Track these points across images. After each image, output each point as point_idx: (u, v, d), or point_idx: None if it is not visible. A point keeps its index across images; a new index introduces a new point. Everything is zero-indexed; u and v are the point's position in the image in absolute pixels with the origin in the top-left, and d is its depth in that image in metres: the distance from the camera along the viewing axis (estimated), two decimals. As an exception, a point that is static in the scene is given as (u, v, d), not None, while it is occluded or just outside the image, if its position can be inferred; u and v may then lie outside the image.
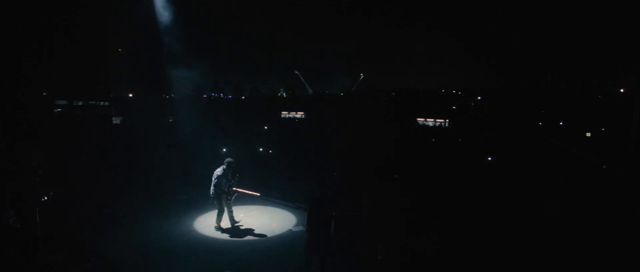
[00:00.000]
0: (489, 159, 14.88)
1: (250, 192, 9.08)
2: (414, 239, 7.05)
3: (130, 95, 27.51)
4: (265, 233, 8.61)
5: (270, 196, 11.24)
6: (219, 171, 8.55)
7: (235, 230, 8.69)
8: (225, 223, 8.80)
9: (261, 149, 16.73)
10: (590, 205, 8.30)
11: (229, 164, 8.63)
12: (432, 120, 30.43)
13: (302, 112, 34.66)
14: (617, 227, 7.20)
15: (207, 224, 9.19)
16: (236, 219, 9.02)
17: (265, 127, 23.06)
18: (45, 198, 6.44)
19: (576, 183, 9.80)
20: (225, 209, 8.71)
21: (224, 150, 14.90)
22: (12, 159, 7.80)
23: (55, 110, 21.54)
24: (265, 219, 9.53)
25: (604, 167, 11.84)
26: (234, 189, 8.78)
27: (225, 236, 8.38)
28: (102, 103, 23.27)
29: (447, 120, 29.99)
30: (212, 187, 8.57)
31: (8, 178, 6.86)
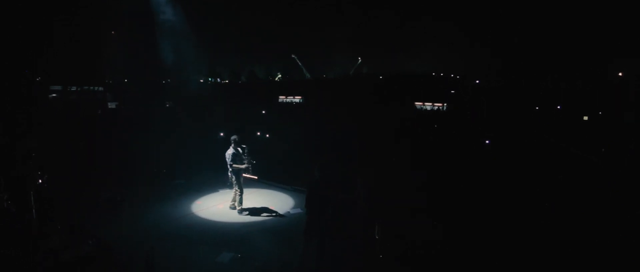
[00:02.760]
0: (487, 141, 14.88)
1: (248, 175, 9.12)
2: (413, 227, 7.07)
3: (126, 80, 27.20)
4: (264, 215, 8.64)
5: (268, 179, 11.25)
6: (230, 151, 8.55)
7: (233, 213, 8.71)
8: (234, 204, 8.82)
9: (258, 134, 16.67)
10: (590, 205, 8.23)
11: (234, 141, 8.66)
12: (430, 104, 30.27)
13: (299, 97, 34.36)
14: (617, 227, 7.15)
15: (205, 206, 9.21)
16: (235, 202, 9.03)
17: (263, 112, 22.93)
18: (40, 181, 6.38)
19: (576, 183, 9.73)
20: (239, 188, 8.69)
21: (221, 134, 14.84)
22: (11, 147, 7.75)
23: (50, 96, 21.34)
24: (263, 202, 9.55)
25: (595, 160, 11.81)
26: (247, 164, 8.75)
27: (224, 219, 8.41)
28: (97, 88, 23.04)
29: (444, 105, 29.82)
30: (229, 169, 8.57)
31: (3, 163, 6.80)
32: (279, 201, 9.71)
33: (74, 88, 21.43)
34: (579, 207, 8.19)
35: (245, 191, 8.96)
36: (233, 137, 8.72)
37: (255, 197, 9.90)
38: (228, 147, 8.66)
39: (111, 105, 23.64)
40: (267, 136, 16.66)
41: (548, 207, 8.15)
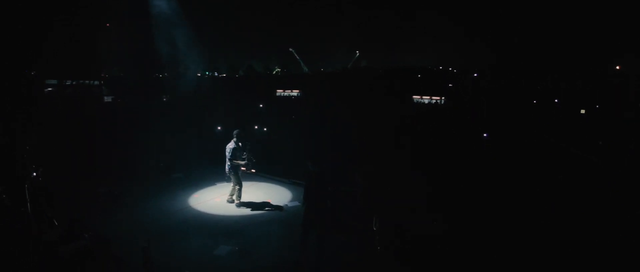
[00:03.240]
0: (485, 135, 14.89)
1: (245, 169, 9.09)
2: (412, 222, 7.06)
3: (122, 74, 27.02)
4: (261, 209, 8.63)
5: (266, 172, 11.22)
6: (231, 145, 8.42)
7: (231, 206, 8.69)
8: (231, 198, 8.78)
9: (256, 127, 16.62)
10: (590, 205, 8.21)
11: (238, 135, 8.53)
12: (428, 98, 30.27)
13: (297, 91, 34.30)
14: (617, 227, 7.17)
15: (203, 200, 9.18)
16: (232, 196, 9.00)
17: (260, 106, 22.86)
18: (35, 174, 6.32)
19: (576, 183, 9.71)
20: (237, 183, 8.62)
21: (219, 128, 14.78)
22: (11, 147, 7.67)
23: (46, 90, 21.16)
24: (261, 195, 9.54)
25: (595, 160, 11.83)
26: (247, 161, 8.64)
27: (222, 212, 8.38)
28: (93, 82, 22.86)
29: (442, 98, 29.81)
30: (227, 163, 8.47)
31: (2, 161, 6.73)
32: (277, 194, 9.70)
33: (69, 82, 21.25)
34: (578, 207, 8.18)
35: (244, 184, 8.92)
36: (236, 131, 8.60)
37: (253, 191, 9.88)
38: (229, 141, 8.55)
39: (107, 99, 23.51)
40: (265, 129, 16.62)
41: (548, 207, 8.13)
